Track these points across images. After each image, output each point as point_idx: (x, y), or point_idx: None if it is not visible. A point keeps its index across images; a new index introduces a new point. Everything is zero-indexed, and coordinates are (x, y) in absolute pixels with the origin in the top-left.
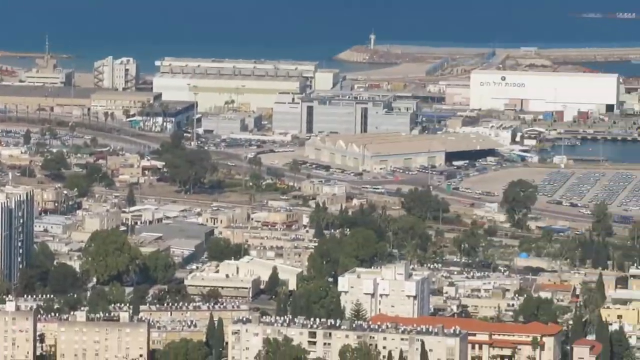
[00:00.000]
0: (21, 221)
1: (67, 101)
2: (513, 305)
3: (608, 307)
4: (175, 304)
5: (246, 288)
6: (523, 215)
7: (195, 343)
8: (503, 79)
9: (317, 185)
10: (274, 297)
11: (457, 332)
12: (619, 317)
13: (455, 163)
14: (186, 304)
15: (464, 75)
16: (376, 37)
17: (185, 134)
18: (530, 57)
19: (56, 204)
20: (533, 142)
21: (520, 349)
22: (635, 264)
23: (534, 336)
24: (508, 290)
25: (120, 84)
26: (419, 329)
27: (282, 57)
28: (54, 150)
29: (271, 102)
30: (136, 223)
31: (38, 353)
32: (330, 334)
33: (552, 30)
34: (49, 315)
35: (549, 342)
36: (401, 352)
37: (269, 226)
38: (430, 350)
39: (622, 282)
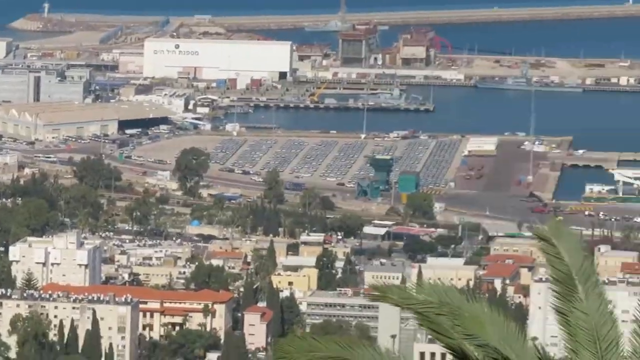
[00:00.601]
0: None
1: None
2: (185, 273)
3: (279, 274)
4: None
5: None
6: (195, 184)
7: None
8: (177, 47)
9: None
10: None
11: (129, 300)
12: (290, 283)
13: (128, 131)
14: None
15: (138, 43)
16: (50, 5)
17: None
18: (204, 25)
19: None
20: (206, 110)
21: (191, 317)
22: (306, 231)
23: (205, 303)
24: (180, 258)
25: None
26: (90, 297)
27: None
28: None
29: None
30: None
31: None
32: (1, 303)
33: None
34: None
35: (220, 309)
36: (72, 320)
37: None
38: (101, 318)
39: (293, 249)
